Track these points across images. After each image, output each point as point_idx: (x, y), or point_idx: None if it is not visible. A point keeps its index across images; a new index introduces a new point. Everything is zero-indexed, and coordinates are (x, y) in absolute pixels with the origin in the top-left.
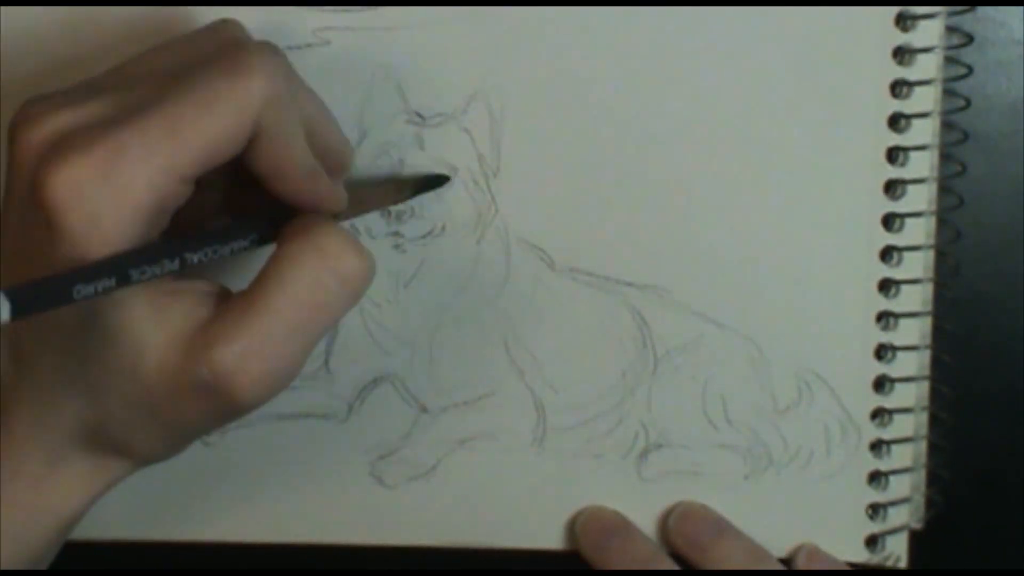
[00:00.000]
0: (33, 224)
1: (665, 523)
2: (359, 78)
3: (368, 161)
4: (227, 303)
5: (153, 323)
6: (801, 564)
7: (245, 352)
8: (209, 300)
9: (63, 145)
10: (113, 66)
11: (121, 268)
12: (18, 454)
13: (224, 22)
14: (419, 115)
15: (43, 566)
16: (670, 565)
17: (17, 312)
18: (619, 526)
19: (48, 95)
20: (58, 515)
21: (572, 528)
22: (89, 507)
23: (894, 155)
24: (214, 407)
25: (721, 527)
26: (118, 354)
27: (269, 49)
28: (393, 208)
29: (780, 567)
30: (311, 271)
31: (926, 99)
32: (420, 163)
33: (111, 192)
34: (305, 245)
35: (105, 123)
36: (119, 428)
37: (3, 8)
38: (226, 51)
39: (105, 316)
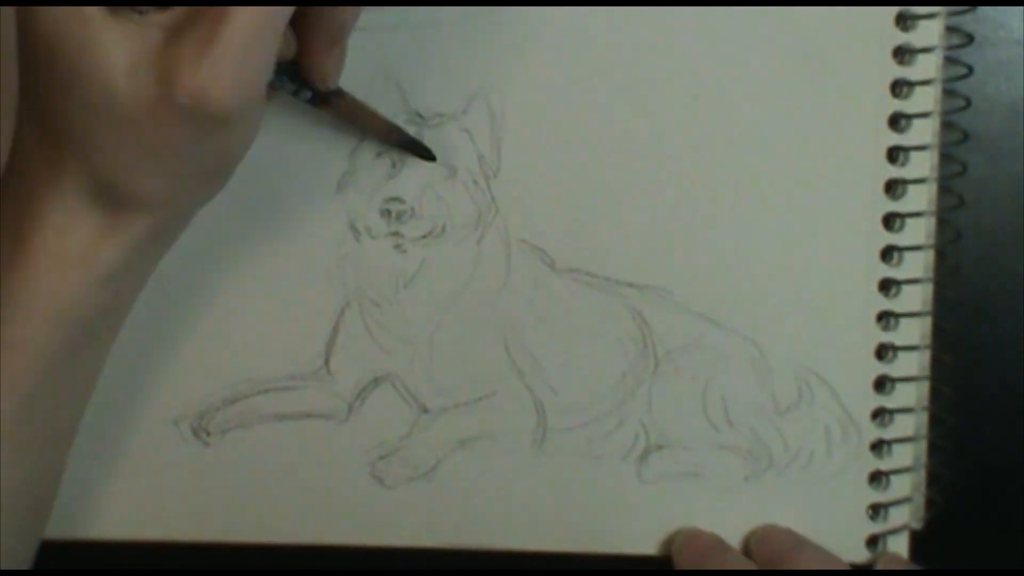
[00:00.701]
0: None
1: (747, 547)
2: (359, 78)
3: (368, 161)
4: (190, 13)
5: (115, 46)
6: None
7: (212, 64)
8: (166, 17)
9: None
10: None
11: None
12: (42, 208)
13: None
14: (419, 115)
15: (94, 342)
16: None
17: None
18: (715, 546)
19: None
20: (88, 266)
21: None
22: (126, 263)
23: (894, 155)
24: (199, 124)
25: (800, 542)
26: (90, 86)
27: None
28: (394, 208)
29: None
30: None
31: (926, 99)
32: (420, 163)
33: None
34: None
35: None
36: (118, 172)
37: (3, 8)
38: None
39: (67, 44)
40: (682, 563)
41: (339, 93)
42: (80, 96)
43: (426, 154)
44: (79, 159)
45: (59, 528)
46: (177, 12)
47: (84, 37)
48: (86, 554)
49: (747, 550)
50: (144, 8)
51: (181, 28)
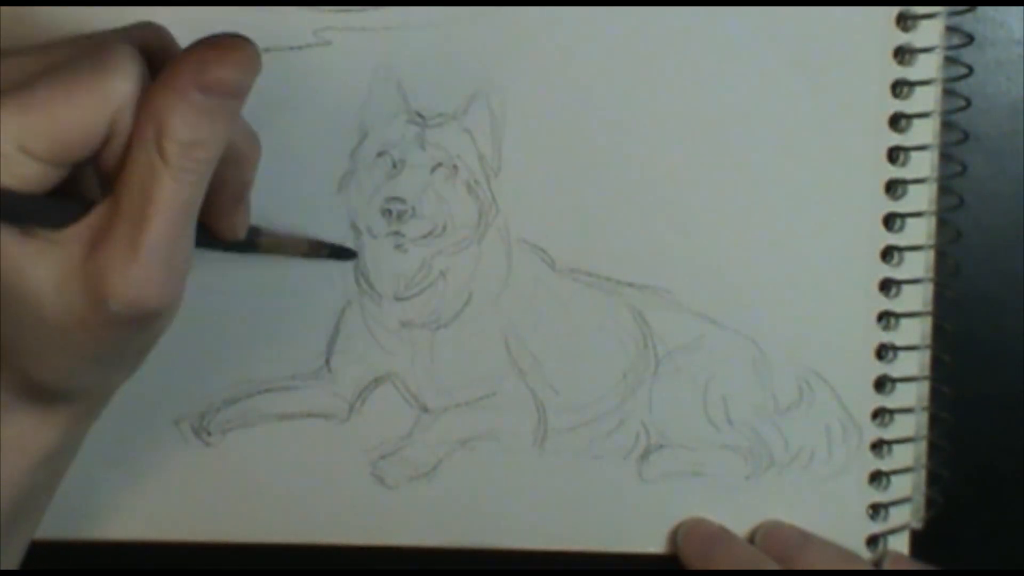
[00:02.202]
0: None
1: (752, 543)
2: (360, 78)
3: (369, 160)
4: (103, 226)
5: (37, 266)
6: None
7: (141, 270)
8: (84, 230)
9: None
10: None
11: None
12: None
13: (147, 25)
14: (420, 115)
15: (37, 507)
16: (773, 566)
17: None
18: (721, 534)
19: None
20: (23, 453)
21: (673, 537)
22: (60, 444)
23: (894, 155)
24: (133, 325)
25: (807, 537)
26: (18, 305)
27: (134, 55)
28: (394, 208)
29: (869, 567)
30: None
31: (926, 99)
32: (421, 163)
33: None
34: (143, 131)
35: None
36: (50, 376)
37: (3, 8)
38: (101, 47)
39: None
40: (687, 552)
41: (255, 233)
42: (8, 313)
43: (349, 256)
44: (11, 366)
45: (59, 528)
46: (91, 223)
47: (4, 265)
48: (86, 554)
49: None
50: (57, 226)
51: (100, 238)
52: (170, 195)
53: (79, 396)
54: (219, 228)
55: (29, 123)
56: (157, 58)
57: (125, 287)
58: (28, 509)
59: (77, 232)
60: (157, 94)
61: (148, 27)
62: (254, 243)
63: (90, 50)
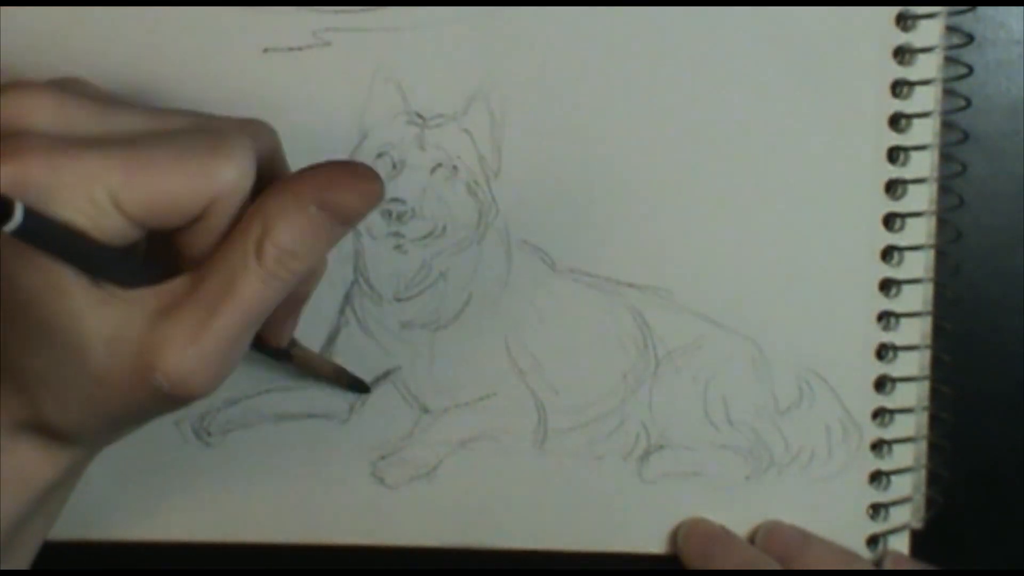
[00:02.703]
0: None
1: (752, 543)
2: (359, 79)
3: (369, 161)
4: (175, 300)
5: (96, 316)
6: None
7: (199, 356)
8: (152, 296)
9: (27, 139)
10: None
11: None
12: None
13: (258, 122)
14: (419, 116)
15: (32, 537)
16: (775, 566)
17: None
18: (721, 533)
19: (44, 84)
20: (25, 487)
21: (673, 537)
22: (62, 480)
23: (894, 155)
24: (167, 404)
25: (807, 537)
26: (64, 349)
27: (253, 143)
28: (394, 208)
29: (871, 567)
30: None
31: (926, 99)
32: (420, 164)
33: (51, 191)
34: (249, 226)
35: (72, 137)
36: (65, 420)
37: (3, 8)
38: (222, 129)
39: (44, 306)
40: (688, 551)
41: (292, 344)
42: (50, 351)
43: (364, 389)
44: (31, 399)
45: (60, 528)
46: (162, 293)
47: (63, 306)
48: (86, 554)
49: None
50: (127, 285)
51: (169, 311)
52: (253, 294)
53: (84, 442)
54: (267, 332)
55: (131, 180)
56: (264, 158)
57: (177, 366)
58: (23, 539)
59: (146, 296)
60: (276, 195)
61: (263, 127)
62: (289, 354)
63: (207, 128)
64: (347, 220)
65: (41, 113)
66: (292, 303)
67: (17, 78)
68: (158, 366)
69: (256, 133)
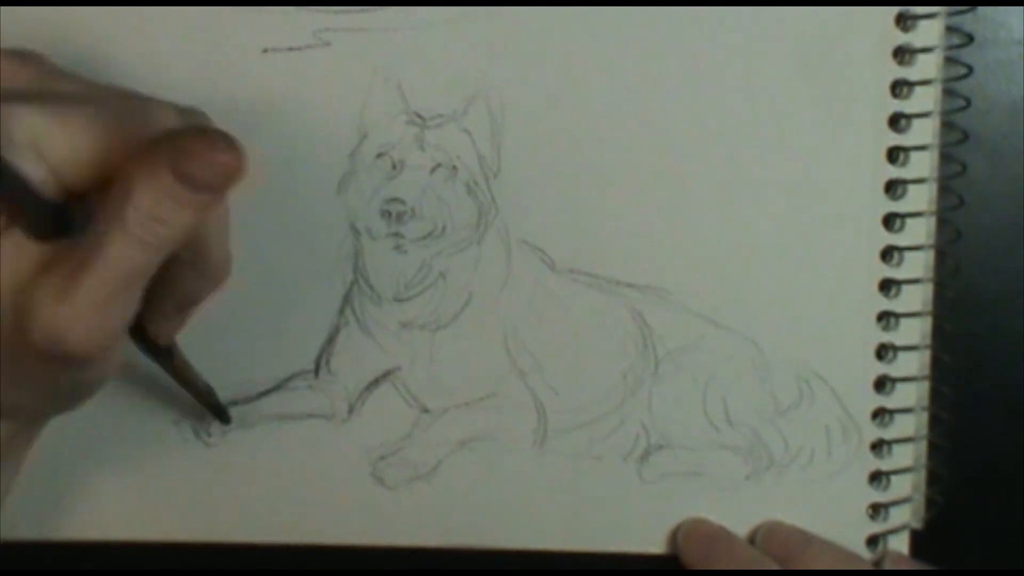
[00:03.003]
0: None
1: (752, 543)
2: (359, 79)
3: (368, 162)
4: (56, 254)
5: None
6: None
7: (70, 314)
8: (30, 248)
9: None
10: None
11: None
12: None
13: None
14: (419, 116)
15: None
16: (774, 567)
17: None
18: (721, 534)
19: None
20: None
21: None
22: None
23: (894, 155)
24: (54, 361)
25: (807, 537)
26: None
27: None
28: (394, 209)
29: (871, 568)
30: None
31: (926, 99)
32: (420, 164)
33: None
34: (115, 188)
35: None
36: None
37: (3, 8)
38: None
39: None
40: (688, 552)
41: (172, 348)
42: None
43: (225, 420)
44: None
45: (60, 528)
46: (43, 252)
47: None
48: (87, 554)
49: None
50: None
51: (48, 264)
52: (118, 254)
53: (5, 414)
54: (149, 324)
55: (52, 126)
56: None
57: (49, 321)
58: None
59: (28, 255)
60: (135, 161)
61: (196, 114)
62: (169, 355)
63: (137, 98)
64: (206, 191)
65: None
66: (178, 300)
67: None
68: (32, 324)
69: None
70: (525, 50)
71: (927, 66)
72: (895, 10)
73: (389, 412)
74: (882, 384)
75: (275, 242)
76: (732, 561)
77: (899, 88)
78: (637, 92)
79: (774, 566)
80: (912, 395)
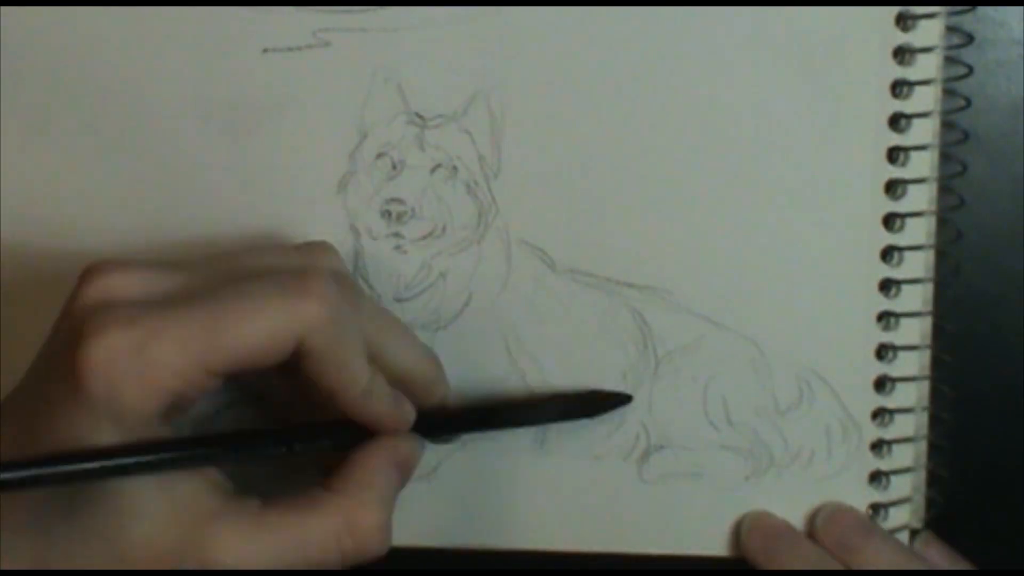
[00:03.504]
0: (61, 375)
1: (812, 523)
2: (359, 79)
3: (368, 162)
4: (237, 510)
5: (155, 498)
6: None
7: (246, 556)
8: (216, 494)
9: (109, 313)
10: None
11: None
12: None
13: (322, 246)
14: (419, 116)
15: None
16: (838, 567)
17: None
18: (786, 530)
19: (135, 260)
20: None
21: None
22: None
23: (894, 155)
24: None
25: (869, 528)
26: (105, 516)
27: (334, 276)
28: (394, 209)
29: (928, 567)
30: (328, 538)
31: (926, 99)
32: (420, 164)
33: (138, 369)
34: (335, 507)
35: (154, 303)
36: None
37: (3, 8)
38: (295, 266)
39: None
40: (751, 546)
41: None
42: (83, 518)
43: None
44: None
45: None
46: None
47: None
48: None
49: (812, 527)
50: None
51: (228, 497)
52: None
53: None
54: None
55: (215, 340)
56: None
57: (224, 553)
58: None
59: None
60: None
61: (327, 248)
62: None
63: (282, 268)
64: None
65: (122, 286)
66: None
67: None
68: (206, 546)
69: (323, 255)
70: (525, 50)
71: (927, 66)
72: (895, 10)
73: None
74: (882, 384)
75: (275, 242)
76: (796, 560)
77: (899, 88)
78: (637, 92)
79: (837, 566)
80: (912, 395)
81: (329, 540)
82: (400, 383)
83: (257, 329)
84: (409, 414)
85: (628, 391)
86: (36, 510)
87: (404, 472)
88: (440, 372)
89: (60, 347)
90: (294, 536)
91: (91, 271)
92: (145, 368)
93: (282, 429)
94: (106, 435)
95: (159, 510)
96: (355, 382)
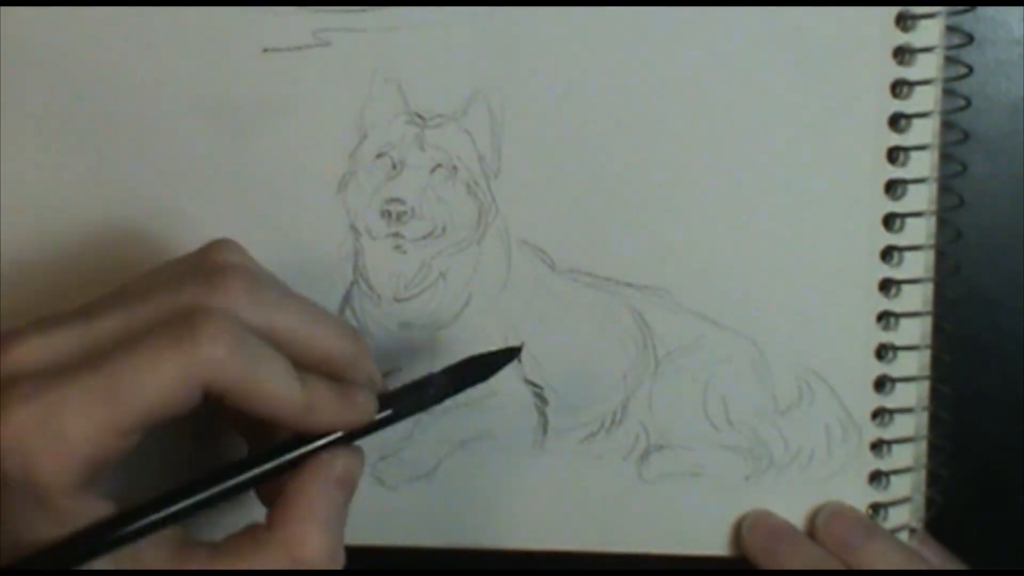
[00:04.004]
0: None
1: (812, 523)
2: (359, 79)
3: (368, 161)
4: (189, 552)
5: (107, 561)
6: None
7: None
8: (167, 544)
9: (13, 388)
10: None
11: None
12: None
13: (216, 246)
14: (419, 116)
15: None
16: (839, 567)
17: None
18: (788, 530)
19: (35, 322)
20: None
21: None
22: None
23: (894, 155)
24: None
25: (871, 529)
26: None
27: (221, 311)
28: (394, 209)
29: (932, 567)
30: (276, 570)
31: (926, 99)
32: (420, 164)
33: (47, 443)
34: (278, 545)
35: (52, 373)
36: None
37: (3, 8)
38: (178, 313)
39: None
40: (752, 545)
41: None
42: None
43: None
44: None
45: None
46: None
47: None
48: None
49: (812, 527)
50: None
51: (183, 548)
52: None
53: None
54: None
55: (116, 410)
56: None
57: None
58: None
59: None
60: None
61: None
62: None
63: (174, 310)
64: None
65: (26, 353)
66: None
67: None
68: None
69: (218, 254)
70: (525, 50)
71: (927, 66)
72: (895, 10)
73: None
74: (882, 384)
75: (275, 242)
76: (797, 559)
77: (899, 88)
78: (637, 92)
79: (838, 566)
80: (912, 395)
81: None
82: (323, 367)
83: (157, 384)
84: (366, 404)
85: (628, 391)
86: None
87: (346, 486)
88: (362, 347)
89: None
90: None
91: (3, 338)
92: (53, 442)
93: (235, 469)
94: (31, 515)
95: None
96: (288, 403)
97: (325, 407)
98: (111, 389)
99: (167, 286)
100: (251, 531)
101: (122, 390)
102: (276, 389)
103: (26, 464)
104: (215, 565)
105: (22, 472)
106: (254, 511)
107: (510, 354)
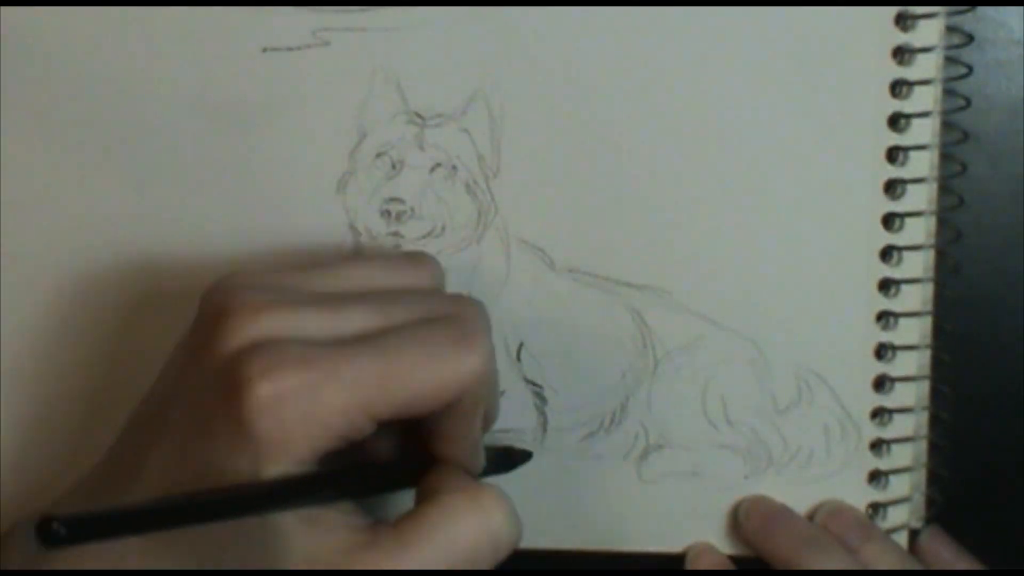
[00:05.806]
0: (214, 413)
1: (811, 519)
2: (359, 79)
3: (368, 161)
4: (376, 536)
5: (303, 532)
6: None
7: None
8: (356, 525)
9: (278, 353)
10: (318, 264)
11: (281, 496)
12: None
13: (423, 257)
14: (419, 116)
15: None
16: (835, 545)
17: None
18: (781, 511)
19: (256, 278)
20: None
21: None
22: None
23: (894, 155)
24: None
25: (869, 530)
26: (255, 553)
27: (488, 327)
28: (394, 208)
29: (927, 567)
30: (471, 531)
31: (926, 99)
32: (420, 163)
33: (309, 412)
34: (469, 503)
35: (323, 343)
36: None
37: (3, 8)
38: (458, 316)
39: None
40: (748, 528)
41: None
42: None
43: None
44: None
45: None
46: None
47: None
48: None
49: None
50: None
51: (366, 532)
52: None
53: None
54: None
55: (385, 389)
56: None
57: None
58: None
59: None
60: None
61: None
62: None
63: (446, 318)
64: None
65: (283, 323)
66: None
67: (228, 296)
68: None
69: (470, 303)
70: (525, 50)
71: (927, 66)
72: (895, 10)
73: None
74: (881, 384)
75: (274, 241)
76: (789, 536)
77: (899, 88)
78: (636, 92)
79: (833, 542)
80: (912, 395)
81: (473, 531)
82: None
83: (427, 379)
84: (482, 461)
85: (628, 391)
86: (192, 545)
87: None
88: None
89: (208, 381)
90: (441, 539)
91: (232, 295)
92: (316, 410)
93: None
94: (263, 472)
95: (308, 545)
96: (474, 435)
97: (480, 452)
98: (384, 374)
99: (415, 296)
100: (422, 503)
101: (393, 377)
102: (480, 419)
103: (281, 427)
104: (403, 534)
105: (274, 434)
106: None
107: (524, 458)
